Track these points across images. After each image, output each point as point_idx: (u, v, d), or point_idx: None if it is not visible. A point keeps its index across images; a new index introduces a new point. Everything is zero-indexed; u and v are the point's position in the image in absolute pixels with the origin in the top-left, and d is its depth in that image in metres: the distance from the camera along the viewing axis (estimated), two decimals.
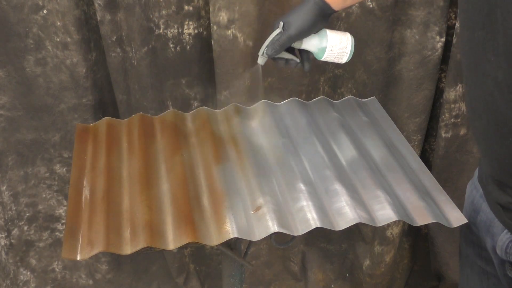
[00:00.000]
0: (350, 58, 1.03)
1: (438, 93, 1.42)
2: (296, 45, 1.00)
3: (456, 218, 0.93)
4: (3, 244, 1.56)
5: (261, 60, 1.03)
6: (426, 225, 1.16)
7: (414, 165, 1.06)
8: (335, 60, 1.03)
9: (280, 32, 0.98)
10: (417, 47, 1.32)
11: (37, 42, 1.28)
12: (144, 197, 0.95)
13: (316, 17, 0.97)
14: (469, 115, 0.81)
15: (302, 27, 0.97)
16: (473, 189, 0.93)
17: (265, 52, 1.00)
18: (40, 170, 1.49)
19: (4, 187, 1.48)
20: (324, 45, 1.00)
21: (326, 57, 1.01)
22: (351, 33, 1.34)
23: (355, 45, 1.02)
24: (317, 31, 1.00)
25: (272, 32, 1.00)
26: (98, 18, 1.26)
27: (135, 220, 0.90)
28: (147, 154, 1.06)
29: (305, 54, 1.04)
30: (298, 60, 1.03)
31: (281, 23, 0.98)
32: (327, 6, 0.97)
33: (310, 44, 1.01)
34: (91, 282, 1.67)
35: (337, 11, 0.99)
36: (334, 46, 1.00)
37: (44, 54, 1.29)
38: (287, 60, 1.03)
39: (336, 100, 1.24)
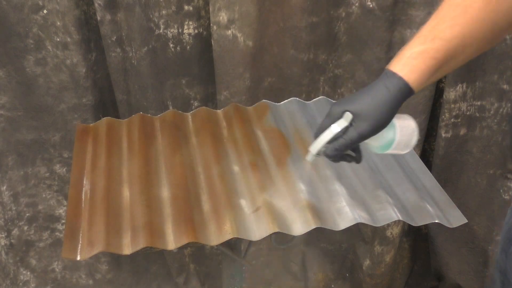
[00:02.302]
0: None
1: (438, 93, 1.42)
2: None
3: (456, 218, 0.93)
4: (3, 244, 1.56)
5: (311, 158, 0.80)
6: (426, 225, 1.16)
7: (414, 165, 1.06)
8: (395, 153, 0.81)
9: (347, 127, 0.73)
10: None
11: (37, 42, 1.28)
12: (144, 197, 0.95)
13: (396, 107, 0.72)
14: None
15: (378, 124, 0.72)
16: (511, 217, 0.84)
17: (323, 152, 0.77)
18: (40, 170, 1.49)
19: (4, 187, 1.48)
20: (390, 138, 0.77)
21: (389, 151, 0.79)
22: (350, 33, 1.35)
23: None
24: None
25: (327, 120, 0.75)
26: (98, 18, 1.26)
27: (135, 220, 0.90)
28: (147, 154, 1.06)
29: (358, 147, 0.82)
30: (354, 155, 0.82)
31: (349, 115, 0.73)
32: (411, 92, 0.71)
33: (374, 138, 0.76)
34: (91, 282, 1.67)
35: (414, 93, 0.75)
36: (402, 140, 0.77)
37: (44, 54, 1.29)
38: (343, 156, 0.80)
39: (336, 100, 1.24)
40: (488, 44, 0.75)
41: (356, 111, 0.72)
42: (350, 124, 0.73)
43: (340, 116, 0.74)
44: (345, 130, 0.74)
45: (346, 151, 0.76)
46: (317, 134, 0.77)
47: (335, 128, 0.74)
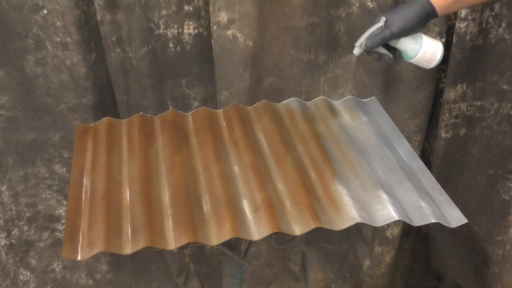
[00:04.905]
0: (437, 65, 1.05)
1: (438, 93, 1.42)
2: (392, 42, 1.03)
3: (456, 218, 0.93)
4: (3, 244, 1.56)
5: (357, 51, 1.04)
6: (426, 225, 1.16)
7: (414, 165, 1.06)
8: (423, 64, 1.05)
9: (382, 27, 1.00)
10: None
11: (37, 42, 1.28)
12: (144, 197, 0.95)
13: (420, 19, 0.99)
14: None
15: (405, 26, 0.99)
16: None
17: (363, 44, 1.02)
18: (40, 170, 1.49)
19: (4, 187, 1.49)
20: (418, 48, 1.02)
21: (416, 59, 1.04)
22: (350, 33, 1.35)
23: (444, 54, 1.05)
24: (415, 33, 1.03)
25: (371, 26, 1.01)
26: (98, 18, 1.26)
27: (135, 220, 0.90)
28: (147, 154, 1.06)
29: (395, 53, 1.05)
30: (392, 56, 1.04)
31: (383, 18, 1.00)
32: (434, 11, 0.99)
33: (405, 44, 1.03)
34: (91, 282, 1.68)
35: (439, 16, 1.01)
36: (427, 50, 1.03)
37: (44, 54, 1.30)
38: (381, 55, 1.04)
39: (336, 100, 1.24)
40: None
41: (390, 17, 1.00)
42: (385, 26, 1.00)
43: (378, 21, 1.01)
44: (382, 30, 1.00)
45: (381, 44, 1.01)
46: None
47: (373, 27, 1.01)
